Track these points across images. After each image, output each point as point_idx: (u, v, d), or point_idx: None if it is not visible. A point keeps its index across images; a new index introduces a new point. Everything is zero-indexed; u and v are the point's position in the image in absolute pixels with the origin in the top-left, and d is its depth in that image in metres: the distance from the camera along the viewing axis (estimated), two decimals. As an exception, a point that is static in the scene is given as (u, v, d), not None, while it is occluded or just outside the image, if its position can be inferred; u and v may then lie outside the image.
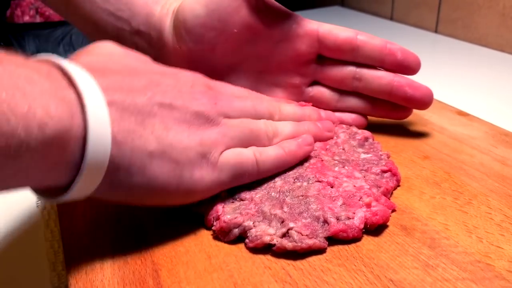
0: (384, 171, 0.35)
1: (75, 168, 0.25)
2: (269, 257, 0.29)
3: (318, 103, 0.43)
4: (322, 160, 0.36)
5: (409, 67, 0.41)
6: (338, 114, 0.42)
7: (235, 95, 0.35)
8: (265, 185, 0.33)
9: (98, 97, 0.26)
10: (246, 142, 0.33)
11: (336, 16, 0.96)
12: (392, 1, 0.91)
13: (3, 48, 0.24)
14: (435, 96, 0.41)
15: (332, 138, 0.39)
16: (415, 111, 0.42)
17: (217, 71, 0.40)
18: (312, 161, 0.36)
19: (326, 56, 0.42)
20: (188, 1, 0.38)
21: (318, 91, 0.43)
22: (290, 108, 0.39)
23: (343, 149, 0.38)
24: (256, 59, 0.41)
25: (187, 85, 0.32)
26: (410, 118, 0.42)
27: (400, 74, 0.41)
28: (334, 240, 0.30)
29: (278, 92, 0.43)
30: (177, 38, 0.39)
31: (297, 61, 0.42)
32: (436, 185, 0.35)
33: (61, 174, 0.25)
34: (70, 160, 0.25)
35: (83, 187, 0.26)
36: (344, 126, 0.42)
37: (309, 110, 0.41)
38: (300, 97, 0.43)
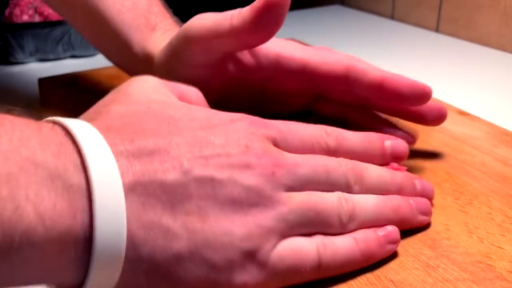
0: None
1: (83, 269, 0.21)
2: (268, 257, 0.29)
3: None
4: None
5: (415, 101, 0.35)
6: None
7: (303, 153, 0.27)
8: None
9: (115, 184, 0.21)
10: (310, 227, 0.26)
11: (336, 15, 0.96)
12: (393, 0, 0.91)
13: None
14: (436, 96, 0.41)
15: (426, 223, 0.30)
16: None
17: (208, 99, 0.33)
18: None
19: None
20: (159, 59, 0.36)
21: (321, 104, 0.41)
22: (377, 173, 0.29)
23: None
24: (249, 93, 0.39)
25: (241, 145, 0.25)
26: (411, 117, 0.42)
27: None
28: (333, 240, 0.30)
29: (281, 110, 0.41)
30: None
31: (292, 91, 0.40)
32: (437, 185, 0.35)
33: (67, 276, 0.21)
34: (74, 266, 0.21)
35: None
36: None
37: (401, 177, 0.30)
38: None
